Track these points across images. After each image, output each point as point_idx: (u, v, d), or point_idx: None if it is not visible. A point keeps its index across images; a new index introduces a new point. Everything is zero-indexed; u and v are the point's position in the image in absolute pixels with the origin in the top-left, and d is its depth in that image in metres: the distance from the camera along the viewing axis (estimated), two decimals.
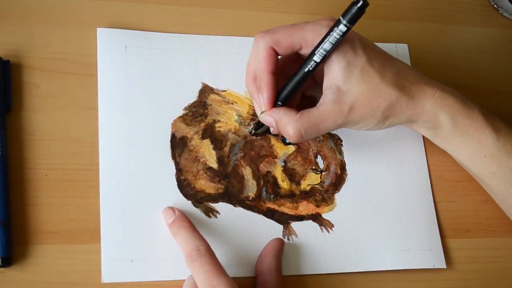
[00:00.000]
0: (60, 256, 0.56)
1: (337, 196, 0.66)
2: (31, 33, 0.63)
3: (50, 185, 0.58)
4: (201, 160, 0.63)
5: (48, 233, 0.57)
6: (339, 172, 0.67)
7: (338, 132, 0.68)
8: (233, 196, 0.62)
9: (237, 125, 0.65)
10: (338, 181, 0.66)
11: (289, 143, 0.66)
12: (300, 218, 0.64)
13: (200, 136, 0.64)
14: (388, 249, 0.64)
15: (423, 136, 0.70)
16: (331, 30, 0.57)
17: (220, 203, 0.62)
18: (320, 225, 0.64)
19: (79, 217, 0.58)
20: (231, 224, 0.61)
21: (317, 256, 0.62)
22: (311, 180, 0.65)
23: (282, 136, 0.66)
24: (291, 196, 0.64)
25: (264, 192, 0.63)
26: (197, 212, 0.61)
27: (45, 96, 0.61)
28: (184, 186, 0.61)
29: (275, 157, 0.65)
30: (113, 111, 0.62)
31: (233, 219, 0.62)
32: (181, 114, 0.64)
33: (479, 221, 0.69)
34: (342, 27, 0.56)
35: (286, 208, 0.64)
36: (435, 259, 0.66)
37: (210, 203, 0.62)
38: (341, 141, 0.68)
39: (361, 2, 0.54)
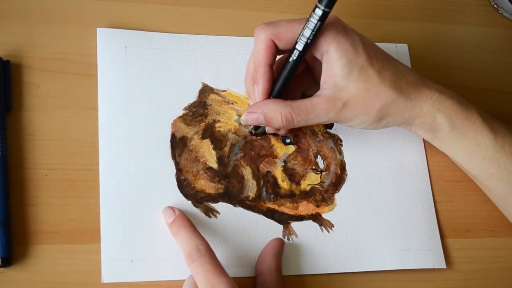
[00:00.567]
0: (60, 256, 0.56)
1: (337, 196, 0.66)
2: (31, 33, 0.63)
3: (50, 185, 0.58)
4: (201, 160, 0.63)
5: (48, 233, 0.57)
6: (339, 172, 0.67)
7: (338, 132, 0.68)
8: (233, 196, 0.62)
9: (237, 125, 0.65)
10: (338, 181, 0.66)
11: (289, 143, 0.66)
12: (300, 218, 0.64)
13: (200, 136, 0.64)
14: (388, 249, 0.64)
15: None
16: (310, 16, 0.57)
17: (220, 203, 0.62)
18: (320, 225, 0.64)
19: (79, 217, 0.58)
20: (231, 224, 0.61)
21: (317, 256, 0.62)
22: (311, 180, 0.65)
23: (282, 136, 0.66)
24: (291, 196, 0.64)
25: (264, 192, 0.63)
26: (197, 212, 0.61)
27: (45, 96, 0.61)
28: (184, 186, 0.61)
29: (275, 157, 0.65)
30: (113, 111, 0.62)
31: (233, 219, 0.62)
32: (181, 114, 0.64)
33: (479, 221, 0.69)
34: (318, 11, 0.56)
35: (286, 208, 0.64)
36: (435, 259, 0.66)
37: (210, 203, 0.62)
38: (341, 141, 0.68)
39: None
